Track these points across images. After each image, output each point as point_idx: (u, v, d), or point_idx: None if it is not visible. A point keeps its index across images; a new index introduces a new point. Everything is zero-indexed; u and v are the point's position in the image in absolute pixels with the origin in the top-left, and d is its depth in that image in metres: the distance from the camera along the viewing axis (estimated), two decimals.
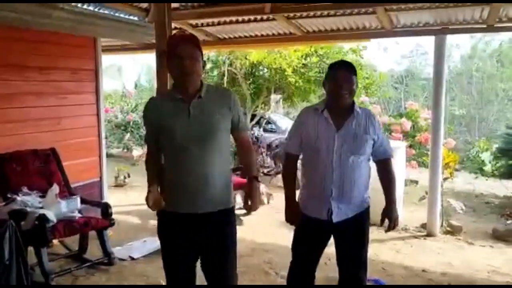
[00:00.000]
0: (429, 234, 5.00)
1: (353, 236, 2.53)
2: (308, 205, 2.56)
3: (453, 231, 5.04)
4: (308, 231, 2.57)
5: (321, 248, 2.60)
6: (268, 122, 10.55)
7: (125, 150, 10.43)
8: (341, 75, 2.40)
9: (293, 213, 2.60)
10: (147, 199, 2.11)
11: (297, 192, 2.64)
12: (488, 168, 7.40)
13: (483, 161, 7.46)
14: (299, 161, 2.64)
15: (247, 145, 2.34)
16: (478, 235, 5.05)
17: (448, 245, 4.74)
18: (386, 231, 2.62)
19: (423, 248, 4.65)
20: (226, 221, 2.25)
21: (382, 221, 2.57)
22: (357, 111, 2.46)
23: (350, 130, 2.43)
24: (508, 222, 5.37)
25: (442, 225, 5.13)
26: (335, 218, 2.45)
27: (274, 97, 9.65)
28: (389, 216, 2.56)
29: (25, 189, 3.86)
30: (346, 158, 2.41)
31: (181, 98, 2.12)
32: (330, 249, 2.64)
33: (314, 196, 2.51)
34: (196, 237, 2.19)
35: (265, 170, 8.23)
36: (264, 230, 5.11)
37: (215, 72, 10.28)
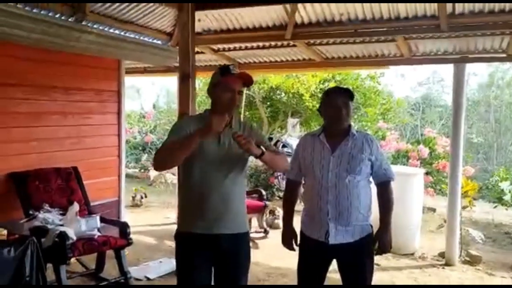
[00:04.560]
0: (448, 263, 4.91)
1: (353, 264, 2.52)
2: (308, 226, 2.59)
3: (472, 261, 4.94)
4: (309, 252, 2.59)
5: (323, 271, 2.58)
6: (284, 146, 10.57)
7: (142, 171, 10.52)
8: (339, 99, 2.48)
9: (286, 237, 2.68)
10: None
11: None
12: (507, 197, 7.23)
13: (502, 190, 7.30)
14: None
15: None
16: (498, 266, 4.93)
17: (468, 275, 4.65)
18: (376, 254, 2.60)
19: (441, 278, 4.56)
20: (242, 244, 2.33)
21: (374, 243, 2.57)
22: (353, 134, 2.50)
23: (345, 151, 2.47)
24: None
25: (460, 255, 5.04)
26: (332, 240, 2.45)
27: (291, 120, 9.70)
28: (382, 239, 2.55)
29: (46, 206, 3.93)
30: (342, 178, 2.44)
31: None
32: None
33: (313, 217, 2.54)
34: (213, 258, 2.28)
35: (282, 194, 8.19)
36: (279, 254, 5.02)
37: None
